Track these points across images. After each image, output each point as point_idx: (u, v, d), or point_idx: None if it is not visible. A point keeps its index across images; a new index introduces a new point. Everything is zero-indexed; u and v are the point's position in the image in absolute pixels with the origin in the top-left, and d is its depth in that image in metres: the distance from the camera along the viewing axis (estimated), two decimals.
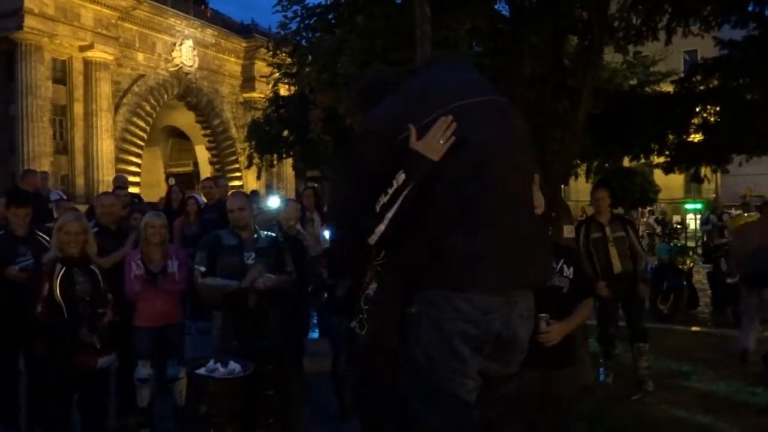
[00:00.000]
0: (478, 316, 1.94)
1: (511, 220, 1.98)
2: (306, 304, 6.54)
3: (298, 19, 5.91)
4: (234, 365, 3.66)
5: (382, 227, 1.96)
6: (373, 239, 1.98)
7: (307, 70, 5.88)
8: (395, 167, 1.95)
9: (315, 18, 5.78)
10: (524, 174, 2.11)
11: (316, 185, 12.55)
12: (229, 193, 6.99)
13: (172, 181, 29.78)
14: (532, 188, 2.16)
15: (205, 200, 7.44)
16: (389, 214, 1.94)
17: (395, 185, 1.93)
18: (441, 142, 1.92)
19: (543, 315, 3.05)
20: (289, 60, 16.01)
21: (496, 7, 6.31)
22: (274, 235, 5.11)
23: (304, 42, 6.15)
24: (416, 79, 2.22)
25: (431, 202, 1.94)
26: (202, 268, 4.15)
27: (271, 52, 10.32)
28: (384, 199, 1.95)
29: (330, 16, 5.69)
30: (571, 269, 3.33)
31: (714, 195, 25.57)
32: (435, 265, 1.93)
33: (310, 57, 5.87)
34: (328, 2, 5.74)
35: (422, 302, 2.00)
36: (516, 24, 6.60)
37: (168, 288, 4.67)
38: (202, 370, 3.61)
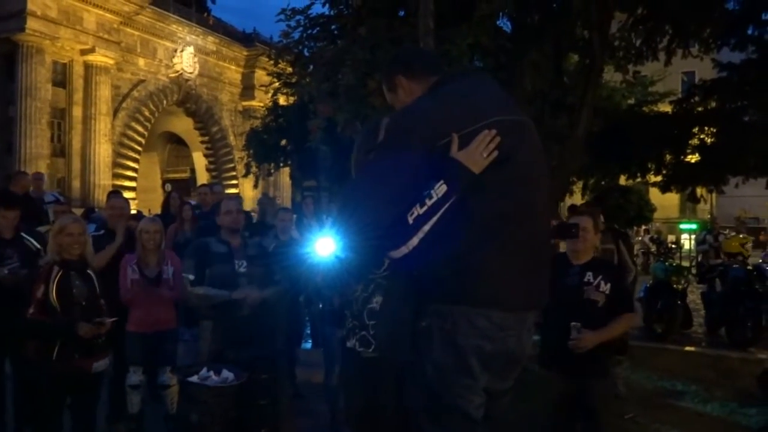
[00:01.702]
0: (495, 333, 1.90)
1: (535, 242, 1.96)
2: (300, 313, 6.52)
3: (301, 28, 5.93)
4: (227, 373, 3.63)
5: (415, 240, 1.83)
6: (401, 252, 1.84)
7: (307, 79, 5.89)
8: (431, 174, 1.83)
9: (318, 28, 5.80)
10: (546, 196, 2.11)
11: (313, 194, 12.54)
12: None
13: (168, 187, 29.76)
14: (549, 211, 2.15)
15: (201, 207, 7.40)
16: (426, 227, 1.82)
17: (435, 197, 1.81)
18: (484, 155, 1.84)
19: (575, 324, 3.14)
20: (289, 69, 16.13)
21: (498, 23, 6.36)
22: (259, 242, 5.10)
23: (306, 51, 6.17)
24: (451, 86, 2.03)
25: (463, 216, 1.85)
26: (191, 277, 4.11)
27: (272, 61, 10.36)
28: (420, 210, 1.81)
29: (333, 27, 5.71)
30: (609, 285, 3.38)
31: (709, 215, 25.68)
32: (458, 279, 1.87)
33: (311, 66, 5.90)
34: (332, 13, 5.78)
35: (435, 316, 1.92)
36: (517, 41, 6.66)
37: (163, 294, 4.63)
38: (194, 378, 3.58)
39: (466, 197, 1.84)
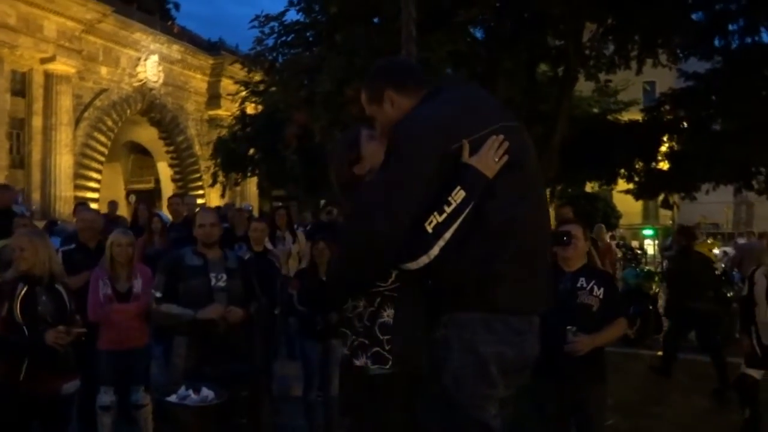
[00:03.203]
0: (514, 338, 1.87)
1: (542, 244, 1.99)
2: (275, 326, 6.38)
3: (275, 35, 5.84)
4: (207, 392, 3.49)
5: (437, 249, 1.78)
6: (421, 262, 1.80)
7: (280, 87, 5.79)
8: (445, 181, 1.81)
9: (293, 35, 5.72)
10: (545, 199, 2.13)
11: (287, 205, 12.43)
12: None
13: (132, 198, 29.15)
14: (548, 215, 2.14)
15: (171, 218, 7.23)
16: (447, 235, 1.78)
17: (453, 204, 1.78)
18: (495, 159, 1.83)
19: (570, 327, 3.12)
20: (257, 78, 16.00)
21: (472, 32, 6.38)
22: (240, 255, 4.97)
23: (280, 58, 6.08)
24: (453, 95, 2.02)
25: (479, 222, 1.83)
26: (158, 294, 3.97)
27: (240, 69, 10.23)
28: (439, 219, 1.78)
29: (308, 34, 5.63)
30: (602, 290, 3.41)
31: (671, 221, 26.27)
32: (476, 286, 1.83)
33: (286, 74, 5.80)
34: (307, 20, 5.69)
35: (452, 325, 1.87)
36: (491, 49, 6.68)
37: (133, 309, 4.46)
38: (173, 398, 3.44)
39: (480, 203, 1.82)
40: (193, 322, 3.92)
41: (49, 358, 3.66)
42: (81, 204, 7.60)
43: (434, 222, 1.78)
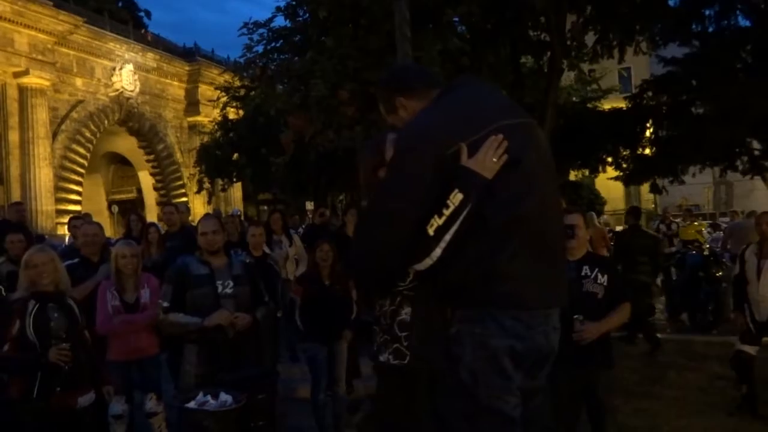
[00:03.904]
0: (523, 331, 1.94)
1: (550, 240, 2.01)
2: (278, 329, 6.43)
3: (264, 41, 5.87)
4: (225, 396, 3.53)
5: (438, 251, 1.86)
6: (426, 264, 1.88)
7: (272, 93, 5.82)
8: (444, 185, 1.87)
9: (281, 40, 5.75)
10: (556, 193, 2.17)
11: (281, 208, 12.42)
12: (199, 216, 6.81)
13: (115, 208, 28.88)
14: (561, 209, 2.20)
15: (166, 227, 7.21)
16: (447, 237, 1.85)
17: (452, 206, 1.84)
18: (494, 160, 1.87)
19: (577, 316, 3.22)
20: (237, 83, 15.94)
21: (461, 29, 6.46)
22: (246, 260, 4.99)
23: (271, 64, 6.11)
24: (453, 96, 2.06)
25: (482, 221, 1.88)
26: (166, 304, 3.99)
27: (216, 75, 10.20)
28: (439, 221, 1.85)
29: (297, 38, 5.67)
30: (606, 277, 3.49)
31: (653, 205, 26.60)
32: (482, 284, 1.90)
33: (284, 80, 5.83)
34: (294, 25, 5.72)
35: (464, 321, 1.95)
36: (475, 44, 6.76)
37: (142, 319, 4.48)
38: (192, 404, 3.48)
39: (481, 203, 1.87)
40: (202, 329, 3.95)
41: (62, 374, 3.68)
42: (77, 217, 7.50)
43: (435, 225, 1.85)
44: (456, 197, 1.84)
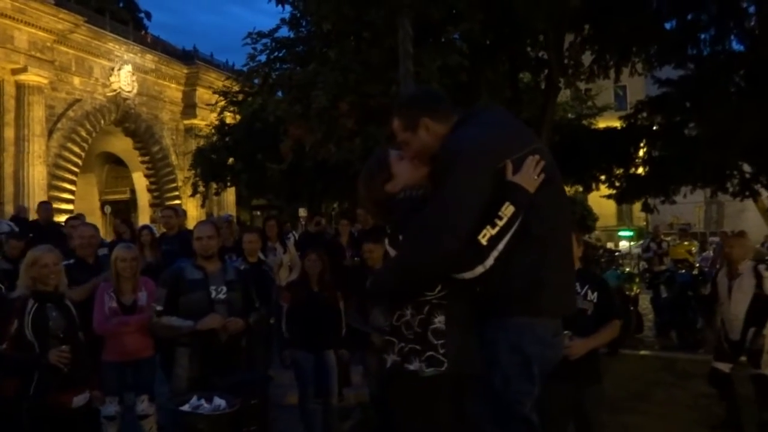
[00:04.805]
0: (552, 339, 2.10)
1: (570, 252, 2.23)
2: (271, 336, 6.46)
3: (267, 51, 5.94)
4: (219, 401, 3.58)
5: (491, 260, 1.96)
6: (477, 272, 1.97)
7: (273, 102, 5.89)
8: (494, 197, 1.98)
9: (284, 50, 5.83)
10: (570, 209, 2.39)
11: (275, 214, 12.46)
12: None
13: (108, 208, 28.77)
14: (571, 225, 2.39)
15: (164, 230, 7.23)
16: (500, 246, 1.97)
17: (504, 218, 1.96)
18: (535, 177, 2.02)
19: (566, 332, 3.25)
20: (236, 88, 15.99)
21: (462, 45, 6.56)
22: (240, 266, 5.03)
23: (273, 74, 6.18)
24: (490, 118, 2.21)
25: (524, 233, 2.00)
26: (159, 307, 4.04)
27: (213, 79, 10.26)
28: (492, 231, 1.95)
29: (299, 49, 5.75)
30: (596, 294, 3.56)
31: (645, 223, 26.80)
32: (525, 292, 2.02)
33: (286, 89, 5.90)
34: (297, 36, 5.80)
35: (501, 328, 2.06)
36: (474, 60, 6.87)
37: (137, 321, 4.53)
38: (186, 407, 3.52)
39: (525, 216, 2.01)
40: (194, 332, 4.00)
41: (58, 373, 3.72)
42: (74, 218, 7.51)
43: (488, 234, 1.96)
44: (508, 209, 1.97)
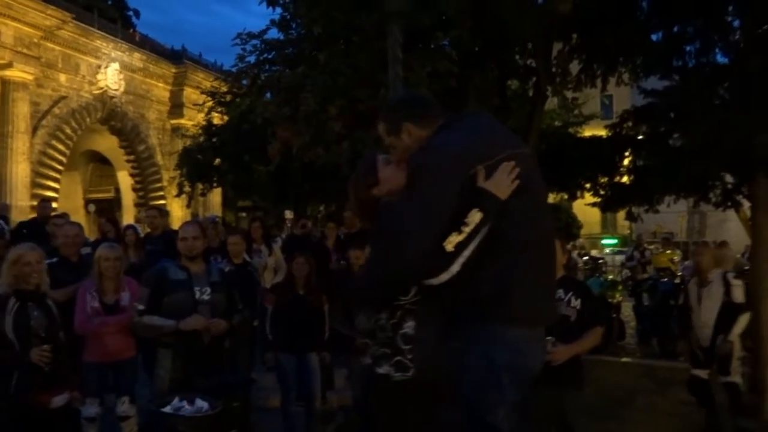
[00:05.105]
0: (524, 348, 2.05)
1: (549, 261, 2.18)
2: (254, 338, 6.43)
3: (257, 52, 5.94)
4: (201, 403, 3.56)
5: (457, 266, 1.95)
6: (442, 279, 1.96)
7: (261, 104, 5.89)
8: (463, 204, 1.96)
9: (274, 52, 5.83)
10: (551, 219, 2.35)
11: (260, 216, 12.41)
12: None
13: (92, 207, 28.49)
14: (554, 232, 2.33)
15: (149, 230, 7.19)
16: (466, 253, 1.94)
17: (471, 224, 1.94)
18: (508, 183, 1.99)
19: (549, 338, 3.29)
20: (224, 88, 15.92)
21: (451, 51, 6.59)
22: (224, 268, 5.01)
23: (262, 75, 6.17)
24: (468, 123, 2.19)
25: (493, 240, 1.98)
26: (141, 307, 4.01)
27: (201, 79, 10.23)
28: (459, 238, 1.94)
29: (289, 51, 5.75)
30: (579, 300, 3.62)
31: (628, 231, 27.02)
32: (491, 300, 1.99)
33: (275, 91, 5.90)
34: (287, 38, 5.81)
35: (470, 336, 2.03)
36: (463, 66, 6.91)
37: (119, 321, 4.49)
38: (167, 409, 3.50)
39: (495, 223, 1.99)
40: (176, 333, 3.98)
41: (39, 373, 3.68)
42: (59, 216, 7.44)
43: (454, 241, 1.94)
44: (475, 216, 1.95)
